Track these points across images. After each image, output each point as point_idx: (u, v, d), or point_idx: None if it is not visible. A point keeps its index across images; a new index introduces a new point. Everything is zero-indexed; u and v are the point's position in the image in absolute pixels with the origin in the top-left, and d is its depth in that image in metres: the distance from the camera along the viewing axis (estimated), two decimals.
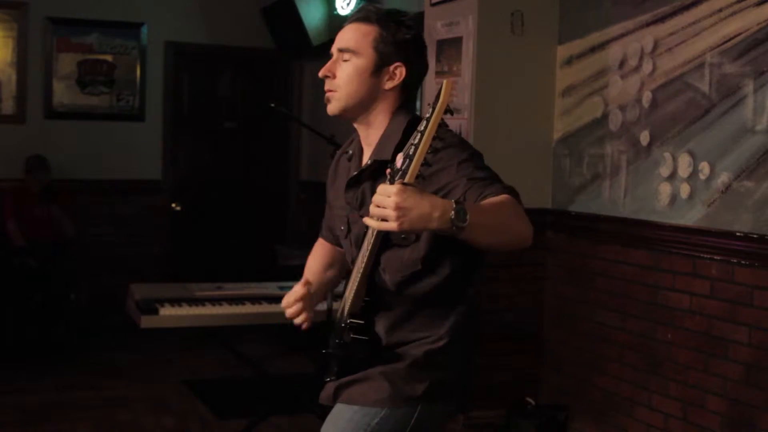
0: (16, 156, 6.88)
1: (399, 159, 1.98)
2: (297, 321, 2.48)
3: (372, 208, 1.97)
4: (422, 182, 2.05)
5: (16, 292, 6.58)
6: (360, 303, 2.31)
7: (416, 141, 1.95)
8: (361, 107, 2.38)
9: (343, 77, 2.36)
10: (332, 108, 2.40)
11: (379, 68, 2.35)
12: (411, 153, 1.95)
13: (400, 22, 2.37)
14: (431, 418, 2.37)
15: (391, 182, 1.96)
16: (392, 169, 1.99)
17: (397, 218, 1.92)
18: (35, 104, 7.25)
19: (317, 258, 2.74)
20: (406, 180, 1.94)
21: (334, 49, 2.40)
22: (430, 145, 1.94)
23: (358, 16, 2.39)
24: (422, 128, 1.95)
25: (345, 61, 2.36)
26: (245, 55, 7.88)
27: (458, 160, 2.21)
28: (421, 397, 2.32)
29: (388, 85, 2.36)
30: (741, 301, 3.93)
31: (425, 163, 1.95)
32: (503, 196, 2.10)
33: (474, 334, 2.44)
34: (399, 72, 2.36)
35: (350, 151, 2.53)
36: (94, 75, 7.41)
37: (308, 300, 2.47)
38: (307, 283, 2.49)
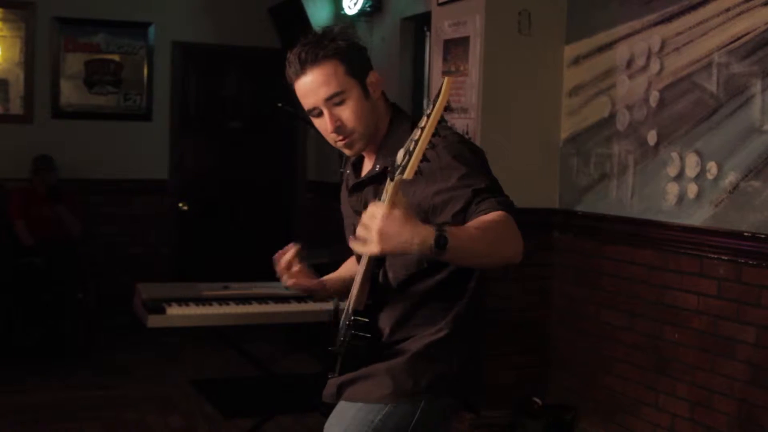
0: (24, 156, 6.89)
1: (399, 154, 2.00)
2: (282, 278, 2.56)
3: (359, 229, 1.99)
4: (422, 179, 2.07)
5: (24, 291, 6.59)
6: (364, 300, 2.32)
7: (416, 137, 1.96)
8: (375, 130, 2.40)
9: (351, 119, 2.35)
10: (358, 149, 2.41)
11: (365, 89, 2.37)
12: (411, 149, 1.96)
13: (344, 39, 2.34)
14: (435, 414, 2.37)
15: (391, 178, 1.99)
16: (392, 165, 2.01)
17: (378, 243, 1.95)
18: (42, 104, 7.27)
19: (346, 265, 2.76)
20: (405, 175, 1.95)
21: (317, 104, 2.34)
22: (430, 141, 1.96)
23: (314, 61, 2.32)
24: (422, 124, 1.96)
25: (338, 104, 2.34)
26: (252, 55, 7.89)
27: (458, 163, 2.22)
28: (424, 392, 2.32)
29: (376, 94, 2.40)
30: (748, 301, 3.92)
31: (424, 159, 1.97)
32: (496, 214, 2.11)
33: (479, 330, 2.44)
34: (374, 77, 2.39)
35: (348, 171, 2.58)
36: (101, 75, 7.43)
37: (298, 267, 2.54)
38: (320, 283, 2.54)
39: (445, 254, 1.98)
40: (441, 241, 1.96)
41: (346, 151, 2.42)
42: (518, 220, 2.13)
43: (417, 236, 1.96)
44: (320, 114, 2.36)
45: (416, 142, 1.95)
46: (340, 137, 2.36)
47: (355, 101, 2.34)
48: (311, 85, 2.34)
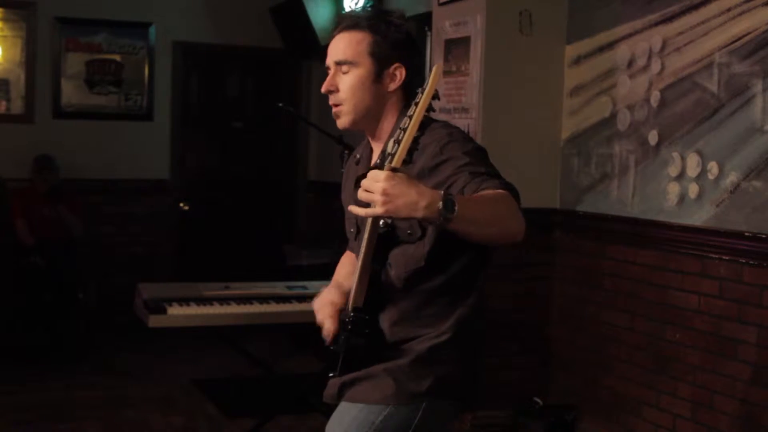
0: (25, 156, 6.88)
1: (389, 144, 2.01)
2: (323, 334, 2.43)
3: (360, 192, 1.99)
4: (426, 174, 2.09)
5: (25, 291, 6.59)
6: (362, 297, 2.31)
7: (405, 126, 1.98)
8: (369, 116, 2.39)
9: (346, 89, 2.36)
10: (342, 122, 2.40)
11: (379, 73, 2.36)
12: (399, 138, 1.98)
13: (389, 22, 2.37)
14: (436, 416, 2.37)
15: (381, 167, 1.98)
16: (383, 154, 2.01)
17: (383, 203, 1.95)
18: (44, 104, 7.26)
19: (344, 264, 2.71)
20: (393, 163, 1.96)
21: (329, 63, 2.39)
22: (420, 130, 1.97)
23: (346, 24, 2.38)
24: (411, 113, 1.98)
25: (344, 73, 2.36)
26: (253, 55, 7.88)
27: (462, 154, 2.21)
28: (426, 394, 2.32)
29: (392, 87, 2.38)
30: (749, 302, 3.92)
31: (414, 148, 1.98)
32: (499, 191, 2.11)
33: (481, 331, 2.43)
34: (399, 72, 2.38)
35: (358, 156, 2.56)
36: (102, 75, 7.42)
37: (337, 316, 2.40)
38: (335, 300, 2.41)
39: (453, 219, 1.96)
40: (449, 204, 1.94)
41: (337, 121, 2.42)
42: (521, 205, 2.13)
43: (423, 198, 1.94)
44: (327, 72, 2.40)
45: (404, 131, 1.97)
46: (331, 101, 2.39)
47: (359, 77, 2.35)
48: (334, 45, 2.39)
